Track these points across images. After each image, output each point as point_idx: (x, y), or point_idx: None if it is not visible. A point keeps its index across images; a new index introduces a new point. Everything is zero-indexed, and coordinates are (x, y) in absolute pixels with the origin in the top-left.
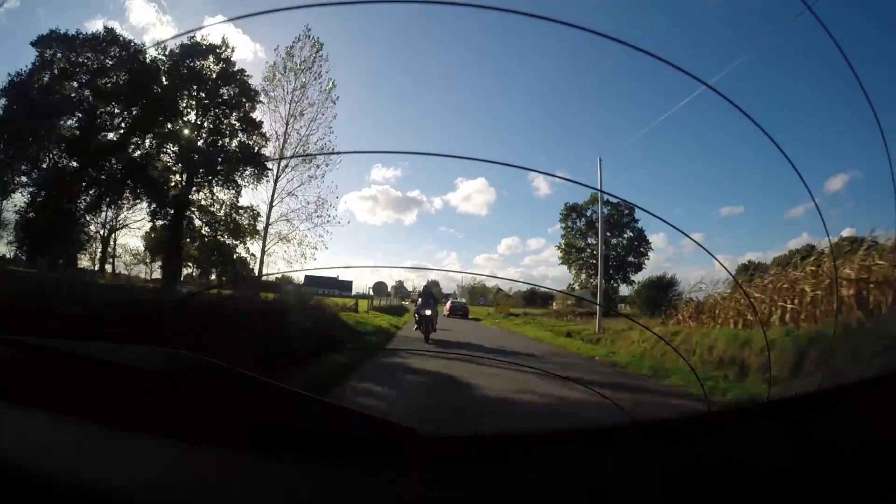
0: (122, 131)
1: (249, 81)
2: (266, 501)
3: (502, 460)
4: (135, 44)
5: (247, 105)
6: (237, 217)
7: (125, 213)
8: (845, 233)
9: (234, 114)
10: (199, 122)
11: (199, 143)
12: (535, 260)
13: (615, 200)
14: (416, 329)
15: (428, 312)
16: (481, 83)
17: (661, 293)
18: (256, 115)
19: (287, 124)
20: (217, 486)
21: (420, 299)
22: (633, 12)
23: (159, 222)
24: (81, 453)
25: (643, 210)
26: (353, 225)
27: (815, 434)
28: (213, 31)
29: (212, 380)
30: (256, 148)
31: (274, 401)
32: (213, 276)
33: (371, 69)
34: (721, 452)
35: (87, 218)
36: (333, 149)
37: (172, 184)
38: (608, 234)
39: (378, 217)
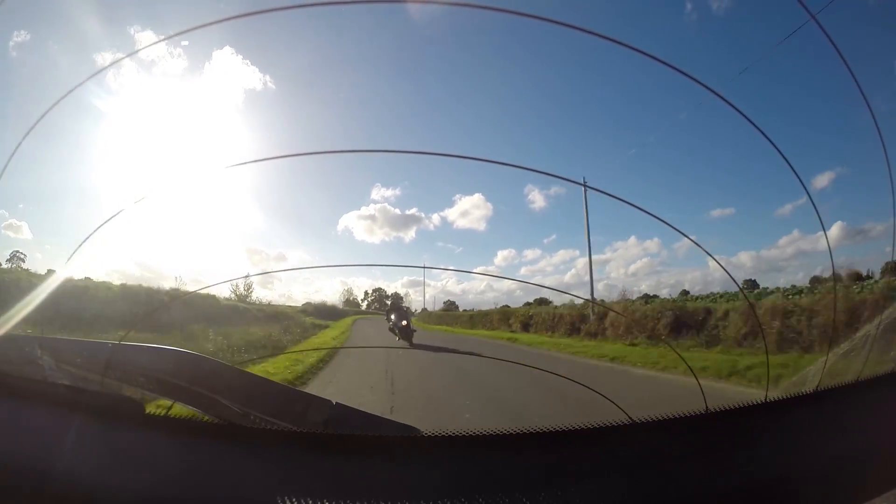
0: None
1: None
2: (267, 498)
3: (503, 457)
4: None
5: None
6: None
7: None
8: (835, 227)
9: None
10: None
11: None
12: (532, 270)
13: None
14: (398, 340)
15: (404, 323)
16: (480, 90)
17: None
18: None
19: None
20: (218, 481)
21: (393, 315)
22: (618, 14)
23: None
24: (82, 451)
25: (643, 210)
26: (351, 244)
27: (814, 434)
28: (212, 35)
29: (215, 377)
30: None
31: (276, 398)
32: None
33: (368, 77)
34: (720, 452)
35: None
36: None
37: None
38: None
39: (376, 235)
